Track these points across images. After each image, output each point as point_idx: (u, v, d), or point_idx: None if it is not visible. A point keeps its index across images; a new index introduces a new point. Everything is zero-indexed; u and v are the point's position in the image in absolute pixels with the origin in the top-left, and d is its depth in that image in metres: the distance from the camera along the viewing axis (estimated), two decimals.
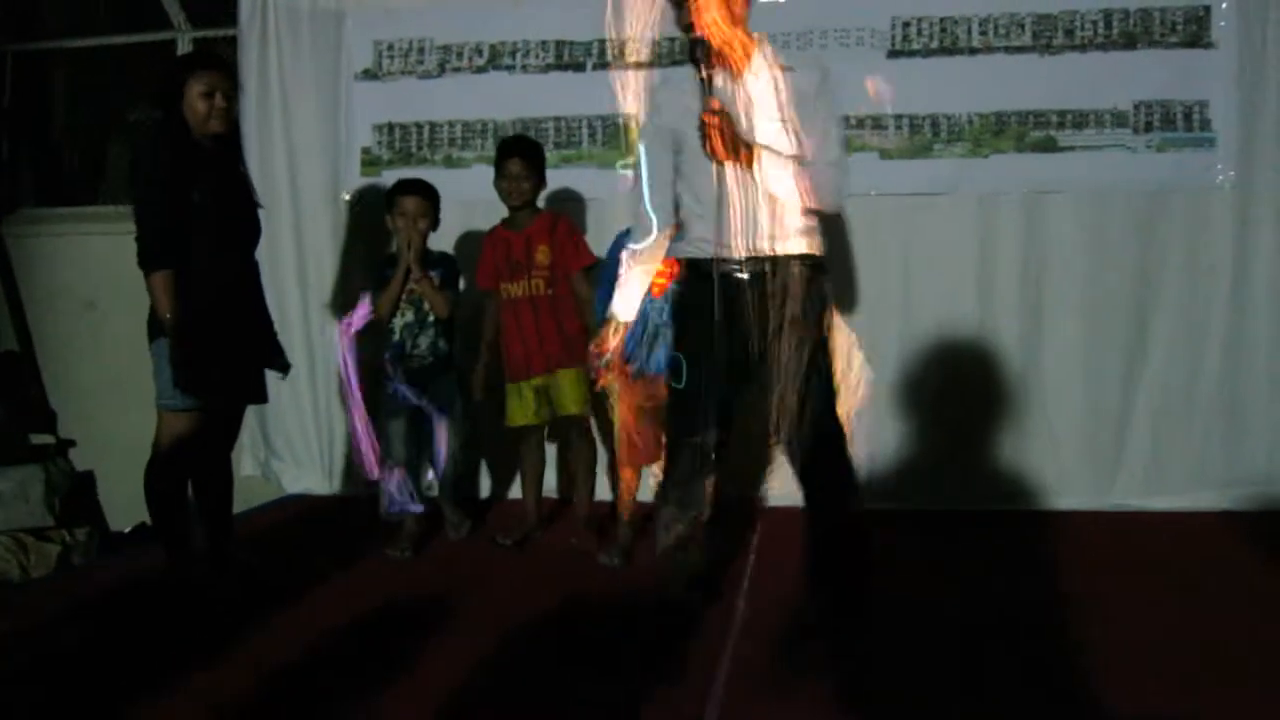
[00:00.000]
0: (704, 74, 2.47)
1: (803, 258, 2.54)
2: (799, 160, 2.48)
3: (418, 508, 3.55)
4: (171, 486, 2.96)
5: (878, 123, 4.07)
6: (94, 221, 5.00)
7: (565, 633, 2.79)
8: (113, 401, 4.73)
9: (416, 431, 3.57)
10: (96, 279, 4.91)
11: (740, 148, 2.44)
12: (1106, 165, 3.94)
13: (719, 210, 2.50)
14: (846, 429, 2.57)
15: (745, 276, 2.54)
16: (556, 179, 4.01)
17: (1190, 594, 2.95)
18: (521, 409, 3.61)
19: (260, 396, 3.19)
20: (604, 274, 3.36)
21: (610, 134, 4.25)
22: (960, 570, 3.26)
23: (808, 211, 2.54)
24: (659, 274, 3.26)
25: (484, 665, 2.53)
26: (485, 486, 4.52)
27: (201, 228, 2.85)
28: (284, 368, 3.19)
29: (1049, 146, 3.98)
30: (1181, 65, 3.90)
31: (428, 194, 3.52)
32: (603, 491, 3.92)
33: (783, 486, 4.08)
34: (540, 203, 3.73)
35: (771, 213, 2.50)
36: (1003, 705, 2.25)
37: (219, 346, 2.89)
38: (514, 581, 3.26)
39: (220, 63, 3.06)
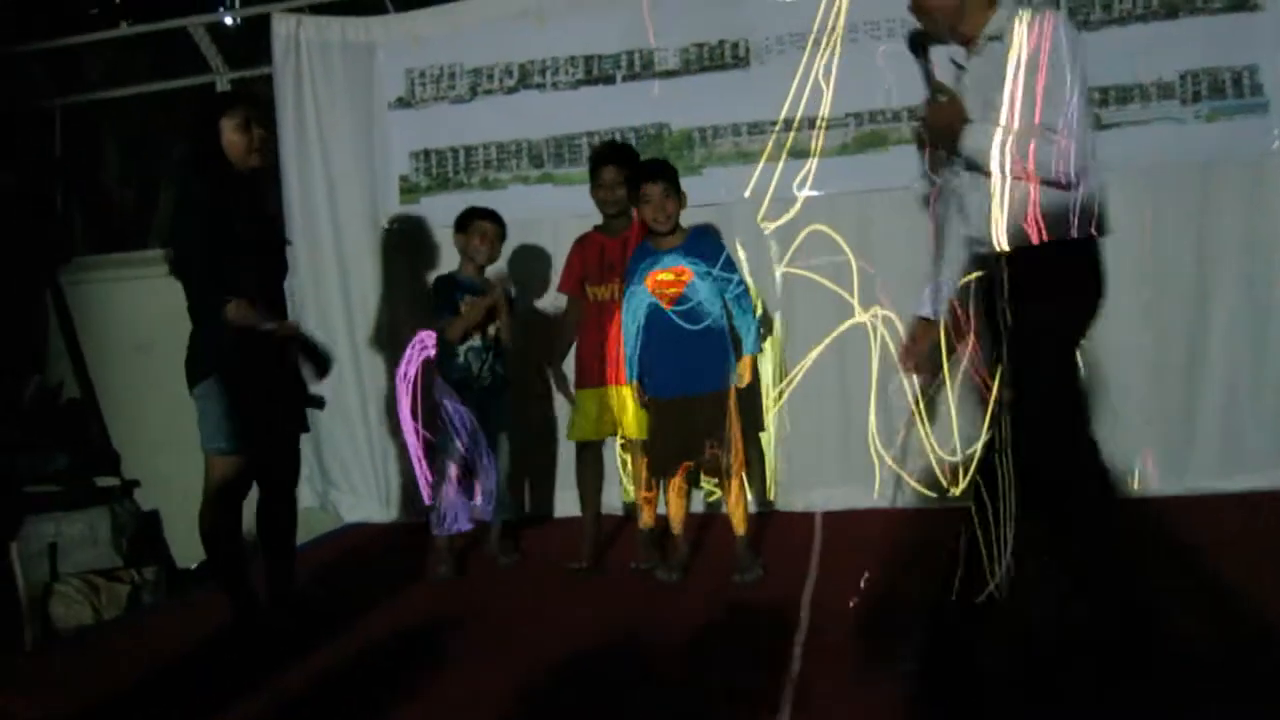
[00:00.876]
0: (922, 63, 2.38)
1: (1027, 249, 2.24)
2: (1011, 132, 2.21)
3: (467, 526, 3.59)
4: (225, 530, 2.94)
5: (915, 114, 3.99)
6: (145, 265, 5.11)
7: (632, 651, 2.77)
8: (173, 439, 4.77)
9: (471, 450, 3.59)
10: (150, 321, 5.00)
11: (957, 132, 2.29)
12: (1155, 139, 3.83)
13: (960, 201, 2.39)
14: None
15: (984, 271, 2.38)
16: None
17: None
18: (587, 423, 3.57)
19: (303, 425, 3.20)
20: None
21: (645, 144, 4.23)
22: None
23: (1044, 188, 2.22)
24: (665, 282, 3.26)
25: (546, 685, 2.51)
26: (530, 503, 4.52)
27: (243, 264, 2.87)
28: (319, 404, 3.21)
29: (1093, 124, 3.86)
30: (1227, 30, 3.77)
31: (502, 222, 3.63)
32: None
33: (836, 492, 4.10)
34: None
35: (994, 199, 2.26)
36: (1073, 699, 2.17)
37: (266, 382, 2.90)
38: (578, 602, 3.24)
39: (249, 98, 3.09)
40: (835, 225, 4.07)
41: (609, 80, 4.31)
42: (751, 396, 3.57)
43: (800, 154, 4.09)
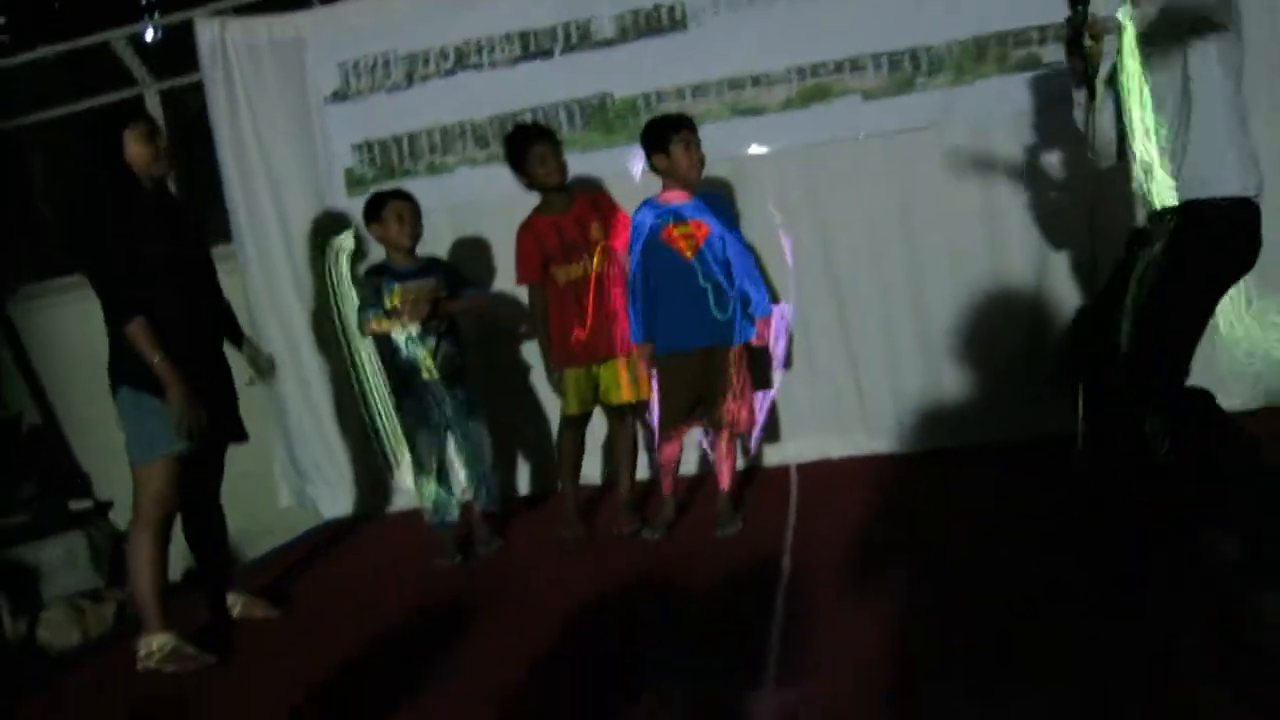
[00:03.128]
0: None
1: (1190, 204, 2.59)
2: None
3: (455, 516, 3.58)
4: (161, 545, 2.85)
5: (856, 64, 4.00)
6: (86, 288, 4.99)
7: (628, 612, 2.82)
8: None
9: (441, 441, 3.56)
10: (104, 339, 4.92)
11: None
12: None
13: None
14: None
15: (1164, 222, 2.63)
16: None
17: None
18: (581, 397, 3.52)
19: (241, 435, 3.15)
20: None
21: (590, 114, 4.22)
22: None
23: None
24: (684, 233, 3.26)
25: (540, 655, 2.56)
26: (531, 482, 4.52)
27: (162, 274, 2.83)
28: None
29: (1034, 65, 3.86)
30: None
31: (413, 198, 3.52)
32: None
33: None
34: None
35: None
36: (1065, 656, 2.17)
37: (197, 387, 2.85)
38: (570, 572, 3.26)
39: (147, 113, 3.07)
40: (783, 181, 4.08)
41: (547, 54, 4.27)
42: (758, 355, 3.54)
43: (745, 112, 4.10)
